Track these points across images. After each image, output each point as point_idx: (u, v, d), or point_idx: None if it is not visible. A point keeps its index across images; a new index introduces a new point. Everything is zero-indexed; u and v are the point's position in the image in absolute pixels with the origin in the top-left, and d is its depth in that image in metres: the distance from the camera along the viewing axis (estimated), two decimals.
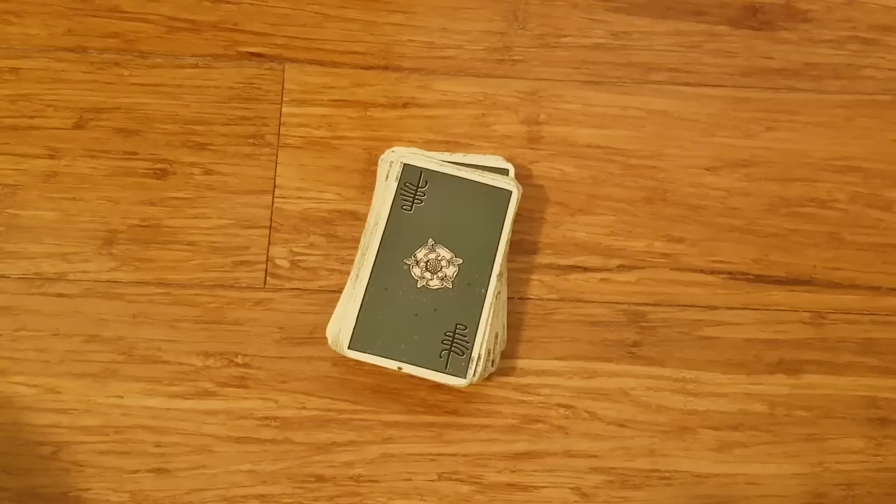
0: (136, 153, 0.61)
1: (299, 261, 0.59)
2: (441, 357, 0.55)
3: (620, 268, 0.60)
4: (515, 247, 0.59)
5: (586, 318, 0.59)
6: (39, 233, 0.58)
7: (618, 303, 0.59)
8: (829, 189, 0.62)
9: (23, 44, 0.63)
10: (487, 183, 0.58)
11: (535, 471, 0.56)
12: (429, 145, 0.62)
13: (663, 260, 0.60)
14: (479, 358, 0.55)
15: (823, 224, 0.62)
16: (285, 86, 0.62)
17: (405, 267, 0.57)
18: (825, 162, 0.63)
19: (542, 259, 0.60)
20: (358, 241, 0.59)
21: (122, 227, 0.59)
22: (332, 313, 0.56)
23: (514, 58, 0.64)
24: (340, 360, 0.57)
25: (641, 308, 0.59)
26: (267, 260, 0.59)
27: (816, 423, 0.57)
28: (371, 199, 0.59)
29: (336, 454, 0.55)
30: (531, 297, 0.59)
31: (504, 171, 0.59)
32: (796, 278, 0.60)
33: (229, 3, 0.65)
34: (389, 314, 0.55)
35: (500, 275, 0.57)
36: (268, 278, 0.58)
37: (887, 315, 0.60)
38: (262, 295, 0.58)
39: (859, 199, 0.62)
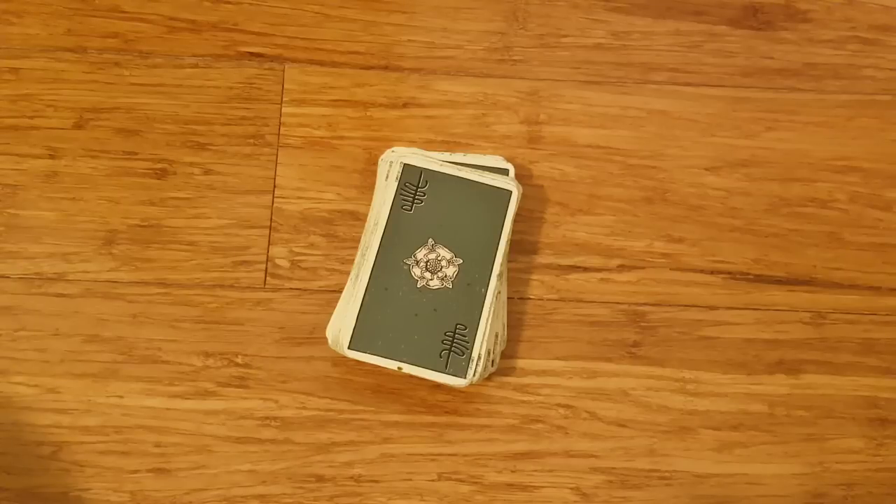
0: (136, 153, 0.61)
1: (299, 261, 0.59)
2: (441, 357, 0.55)
3: (620, 268, 0.60)
4: (515, 247, 0.59)
5: (586, 318, 0.59)
6: (39, 233, 0.58)
7: (618, 303, 0.59)
8: (829, 189, 0.62)
9: (23, 44, 0.63)
10: (487, 183, 0.58)
11: (535, 471, 0.56)
12: (429, 145, 0.62)
13: (663, 260, 0.60)
14: (479, 358, 0.55)
15: (823, 224, 0.62)
16: (285, 86, 0.62)
17: (405, 267, 0.57)
18: (825, 162, 0.63)
19: (542, 259, 0.60)
20: (358, 241, 0.59)
21: (122, 227, 0.59)
22: (332, 313, 0.56)
23: (514, 58, 0.64)
24: (340, 360, 0.57)
25: (641, 308, 0.59)
26: (267, 260, 0.59)
27: (816, 423, 0.57)
28: (371, 199, 0.59)
29: (336, 454, 0.55)
30: (531, 297, 0.59)
31: (504, 171, 0.59)
32: (796, 278, 0.60)
33: (229, 3, 0.65)
34: (389, 314, 0.55)
35: (500, 275, 0.57)
36: (268, 278, 0.58)
37: (887, 315, 0.60)
38: (262, 295, 0.58)
39: (859, 199, 0.62)
